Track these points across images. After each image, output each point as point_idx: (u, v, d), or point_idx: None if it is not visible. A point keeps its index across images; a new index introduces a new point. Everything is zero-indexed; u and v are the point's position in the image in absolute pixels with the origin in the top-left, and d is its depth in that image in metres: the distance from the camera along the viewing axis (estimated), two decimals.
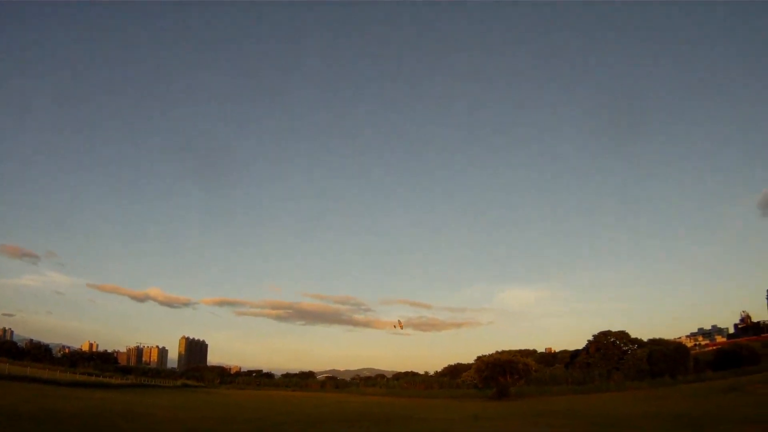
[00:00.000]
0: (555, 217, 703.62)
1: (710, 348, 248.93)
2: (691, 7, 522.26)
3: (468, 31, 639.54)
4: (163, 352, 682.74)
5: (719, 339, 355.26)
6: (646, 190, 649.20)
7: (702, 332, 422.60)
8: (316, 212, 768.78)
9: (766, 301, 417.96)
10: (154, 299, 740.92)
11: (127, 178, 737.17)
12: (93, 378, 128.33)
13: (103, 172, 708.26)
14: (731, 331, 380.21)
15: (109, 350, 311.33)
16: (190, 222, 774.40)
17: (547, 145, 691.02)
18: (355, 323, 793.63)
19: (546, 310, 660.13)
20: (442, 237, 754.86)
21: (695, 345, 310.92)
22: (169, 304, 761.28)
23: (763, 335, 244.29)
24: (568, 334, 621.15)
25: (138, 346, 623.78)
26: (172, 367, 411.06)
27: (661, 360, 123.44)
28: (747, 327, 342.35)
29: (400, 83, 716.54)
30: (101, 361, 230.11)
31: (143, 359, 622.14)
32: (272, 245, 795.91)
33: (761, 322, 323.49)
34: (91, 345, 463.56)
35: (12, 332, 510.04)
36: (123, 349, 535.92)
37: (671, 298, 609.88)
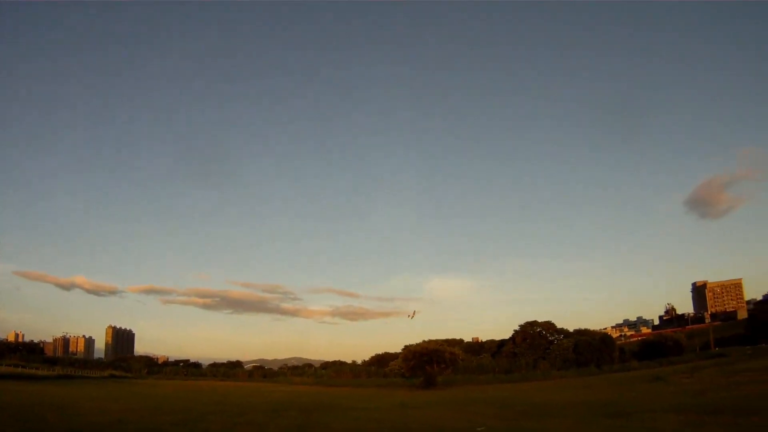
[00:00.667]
0: (483, 208, 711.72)
1: (635, 339, 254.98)
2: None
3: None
4: (90, 342, 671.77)
5: (644, 330, 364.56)
6: (574, 183, 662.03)
7: (627, 323, 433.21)
8: (244, 200, 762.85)
9: (690, 294, 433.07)
10: (80, 287, 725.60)
11: (52, 164, 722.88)
12: (19, 370, 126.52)
13: (26, 156, 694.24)
14: (656, 322, 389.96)
15: (36, 340, 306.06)
16: (117, 208, 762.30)
17: (477, 135, 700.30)
18: (283, 312, 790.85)
19: (473, 300, 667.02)
20: (370, 226, 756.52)
21: (621, 336, 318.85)
22: (95, 292, 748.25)
23: (687, 327, 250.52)
24: (495, 324, 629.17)
25: (65, 336, 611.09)
26: (99, 357, 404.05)
27: (587, 350, 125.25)
28: (671, 319, 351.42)
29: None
30: (27, 351, 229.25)
31: (70, 349, 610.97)
32: (199, 232, 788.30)
33: (685, 315, 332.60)
34: (17, 335, 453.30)
35: None
36: (50, 339, 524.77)
37: (598, 290, 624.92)
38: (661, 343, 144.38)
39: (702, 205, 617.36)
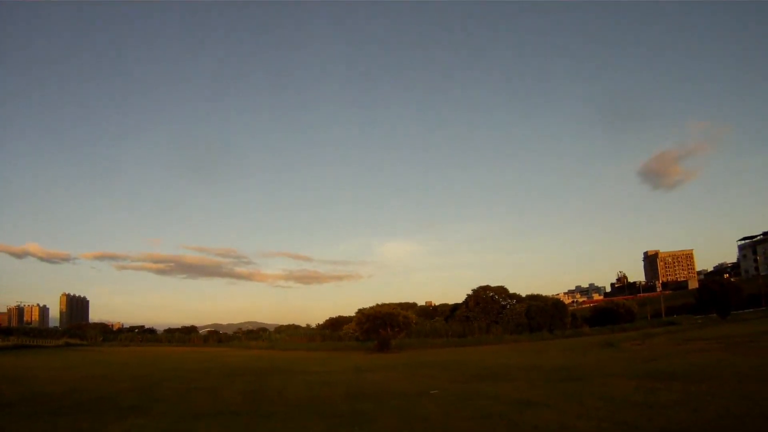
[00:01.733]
0: (435, 171, 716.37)
1: (588, 305, 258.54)
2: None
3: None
4: (44, 311, 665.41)
5: (596, 297, 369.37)
6: (529, 146, 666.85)
7: (580, 290, 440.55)
8: (195, 162, 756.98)
9: (642, 263, 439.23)
10: (33, 255, 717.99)
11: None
12: None
13: None
14: (608, 290, 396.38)
15: None
16: (67, 173, 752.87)
17: (428, 99, 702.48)
18: (237, 276, 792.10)
19: (426, 264, 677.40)
20: (323, 189, 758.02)
21: (573, 302, 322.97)
22: (48, 259, 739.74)
23: (638, 295, 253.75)
24: (448, 288, 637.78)
25: (18, 306, 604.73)
26: (55, 326, 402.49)
27: (540, 315, 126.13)
28: (623, 286, 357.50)
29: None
30: None
31: (25, 319, 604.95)
32: (151, 195, 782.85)
33: (637, 283, 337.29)
34: None
35: None
36: (4, 310, 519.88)
37: (551, 256, 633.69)
38: (612, 310, 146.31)
39: (655, 176, 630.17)
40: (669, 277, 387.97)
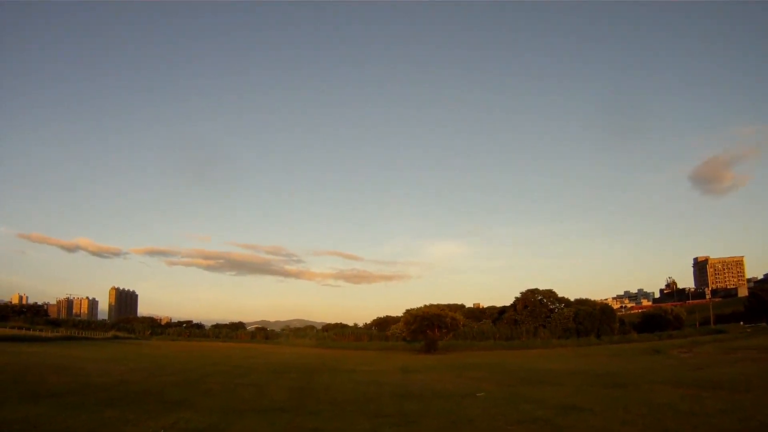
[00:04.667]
0: (487, 174, 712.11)
1: (636, 311, 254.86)
2: None
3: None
4: (93, 304, 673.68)
5: (645, 303, 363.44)
6: (579, 152, 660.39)
7: (628, 295, 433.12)
8: (248, 161, 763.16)
9: (692, 269, 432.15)
10: (85, 249, 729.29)
11: (56, 126, 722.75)
12: (23, 332, 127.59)
13: (30, 120, 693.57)
14: (657, 295, 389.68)
15: (39, 303, 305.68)
16: (118, 171, 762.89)
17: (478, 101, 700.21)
18: (286, 274, 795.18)
19: (475, 266, 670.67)
20: (373, 190, 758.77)
21: (621, 307, 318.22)
22: (99, 254, 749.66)
23: (687, 302, 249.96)
24: (496, 290, 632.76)
25: (68, 298, 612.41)
26: (103, 319, 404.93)
27: (588, 320, 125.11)
28: (672, 293, 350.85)
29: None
30: (31, 314, 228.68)
31: (74, 311, 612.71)
32: (203, 193, 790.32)
33: (686, 289, 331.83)
34: (20, 298, 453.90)
35: None
36: (53, 302, 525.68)
37: (600, 261, 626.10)
38: (661, 317, 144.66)
39: (705, 182, 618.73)
40: (718, 284, 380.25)
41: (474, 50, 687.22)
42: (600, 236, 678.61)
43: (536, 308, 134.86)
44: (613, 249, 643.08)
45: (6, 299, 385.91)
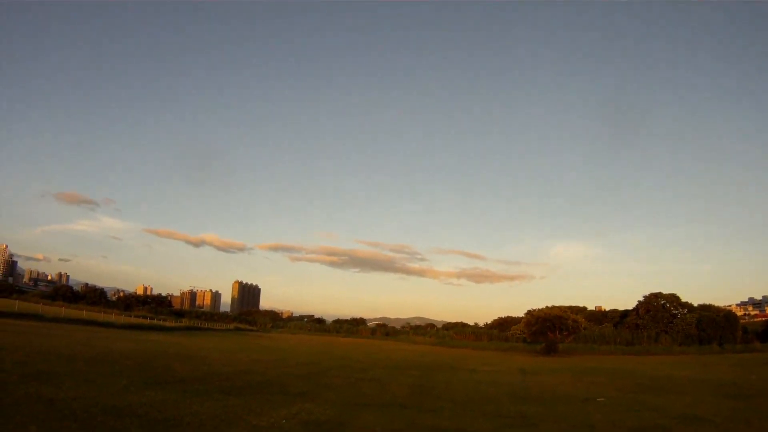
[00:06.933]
0: (611, 176, 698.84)
1: (760, 318, 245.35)
2: None
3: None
4: (216, 296, 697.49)
5: None
6: (703, 153, 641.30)
7: (752, 302, 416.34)
8: (373, 159, 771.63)
9: None
10: (210, 244, 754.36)
11: (183, 125, 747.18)
12: (147, 321, 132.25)
13: (158, 120, 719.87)
14: None
15: (164, 294, 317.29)
16: (246, 167, 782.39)
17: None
18: (409, 272, 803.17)
19: (598, 268, 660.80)
20: (499, 190, 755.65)
21: (745, 314, 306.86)
22: (224, 249, 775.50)
23: None
24: (618, 293, 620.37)
25: (192, 290, 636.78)
26: (225, 311, 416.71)
27: (711, 326, 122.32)
28: None
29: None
30: (156, 304, 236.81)
31: (197, 303, 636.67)
32: (328, 191, 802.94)
33: None
34: (145, 289, 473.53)
35: (68, 276, 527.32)
36: (177, 293, 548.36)
37: (724, 266, 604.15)
38: None
39: None
40: None
41: None
42: (725, 240, 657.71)
43: (658, 313, 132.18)
44: (737, 253, 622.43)
45: (131, 290, 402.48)
